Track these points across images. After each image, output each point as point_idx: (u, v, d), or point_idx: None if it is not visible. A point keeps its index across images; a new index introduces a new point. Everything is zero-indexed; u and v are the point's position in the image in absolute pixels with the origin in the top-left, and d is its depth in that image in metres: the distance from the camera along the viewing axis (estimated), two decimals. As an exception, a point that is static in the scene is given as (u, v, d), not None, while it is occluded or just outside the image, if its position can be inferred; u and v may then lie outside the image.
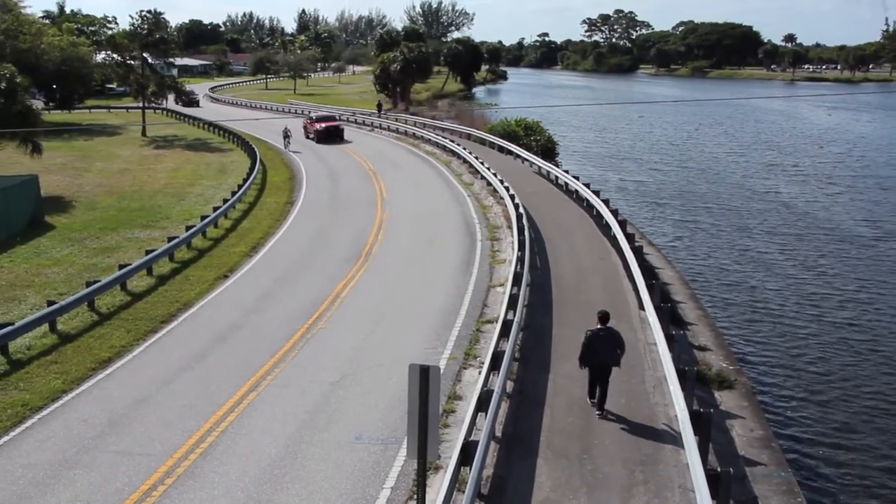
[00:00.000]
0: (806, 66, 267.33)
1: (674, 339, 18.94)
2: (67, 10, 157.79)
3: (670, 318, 21.73)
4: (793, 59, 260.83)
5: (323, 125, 67.02)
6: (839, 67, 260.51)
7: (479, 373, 17.89)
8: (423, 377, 11.56)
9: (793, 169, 68.04)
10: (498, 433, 15.96)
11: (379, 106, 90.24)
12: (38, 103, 66.55)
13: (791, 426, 21.39)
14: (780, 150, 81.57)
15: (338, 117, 73.12)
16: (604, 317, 17.15)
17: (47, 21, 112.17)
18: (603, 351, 16.83)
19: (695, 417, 14.73)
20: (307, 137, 68.01)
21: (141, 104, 78.36)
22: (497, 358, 17.77)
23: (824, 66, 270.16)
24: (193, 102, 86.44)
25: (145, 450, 15.81)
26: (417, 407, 11.61)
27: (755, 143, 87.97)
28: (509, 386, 18.04)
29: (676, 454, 15.02)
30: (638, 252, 27.03)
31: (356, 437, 16.11)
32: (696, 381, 17.30)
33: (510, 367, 18.27)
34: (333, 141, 64.81)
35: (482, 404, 15.62)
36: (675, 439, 15.45)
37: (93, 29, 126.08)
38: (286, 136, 62.73)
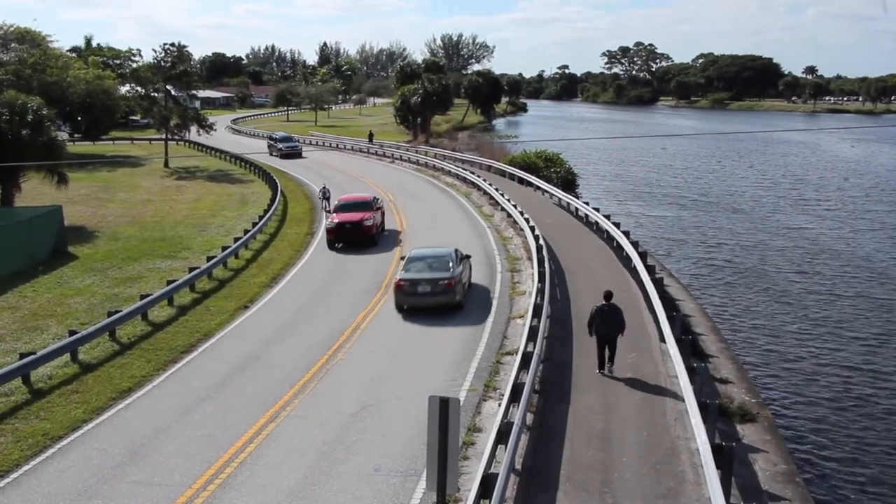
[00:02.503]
0: (827, 98, 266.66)
1: (695, 371, 18.78)
2: (94, 44, 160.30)
3: (691, 350, 21.56)
4: (814, 90, 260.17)
5: (336, 219, 38.41)
6: (861, 99, 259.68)
7: (499, 405, 17.80)
8: (443, 409, 11.53)
9: (816, 203, 67.43)
10: (518, 466, 15.84)
11: (370, 136, 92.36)
12: (63, 135, 67.44)
13: (815, 460, 21.12)
14: (804, 183, 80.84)
15: (375, 202, 40.77)
16: (608, 295, 20.88)
17: (74, 55, 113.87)
18: (605, 324, 20.41)
19: (717, 451, 14.56)
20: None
21: (164, 136, 79.21)
22: (517, 390, 17.68)
23: (846, 98, 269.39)
24: (295, 154, 79.19)
25: (164, 480, 15.81)
26: (437, 439, 11.57)
27: (778, 175, 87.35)
28: (529, 418, 17.92)
29: (698, 488, 14.84)
30: (658, 284, 26.87)
31: (375, 468, 16.04)
32: (717, 415, 17.12)
33: (530, 399, 18.16)
34: (355, 246, 37.78)
35: (502, 436, 15.52)
36: (697, 473, 15.28)
37: (118, 62, 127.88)
38: (325, 197, 48.52)
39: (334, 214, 39.24)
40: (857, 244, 49.70)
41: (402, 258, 30.01)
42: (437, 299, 26.56)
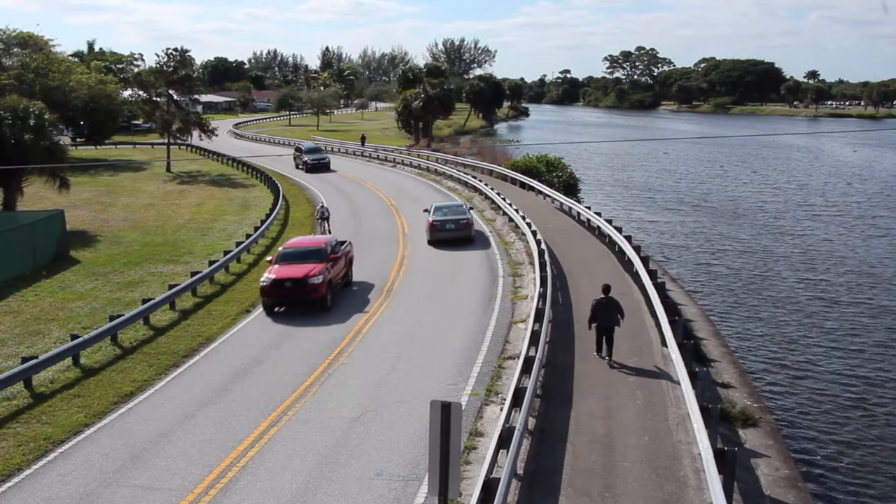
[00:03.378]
0: (829, 103, 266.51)
1: (697, 376, 18.77)
2: (96, 49, 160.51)
3: (693, 354, 21.56)
4: (815, 95, 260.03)
5: (274, 274, 28.52)
6: (862, 103, 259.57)
7: (501, 409, 17.79)
8: (445, 413, 11.52)
9: (820, 208, 67.06)
10: (519, 470, 15.83)
11: (362, 139, 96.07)
12: (65, 139, 67.56)
13: (817, 465, 21.08)
14: (807, 188, 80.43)
15: (333, 249, 30.53)
16: (606, 288, 22.72)
17: (76, 60, 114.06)
18: (604, 315, 22.06)
19: (719, 456, 14.55)
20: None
21: (166, 140, 79.30)
22: (519, 394, 17.67)
23: (847, 103, 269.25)
24: (323, 167, 70.55)
25: (166, 484, 15.81)
26: (439, 443, 11.57)
27: (781, 180, 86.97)
28: (531, 423, 17.92)
29: (700, 493, 14.82)
30: (660, 288, 26.88)
31: (377, 473, 16.03)
32: (719, 419, 17.12)
33: (532, 403, 18.16)
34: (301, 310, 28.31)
35: (504, 441, 15.52)
36: (699, 478, 15.26)
37: (120, 66, 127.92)
38: (323, 217, 42.59)
39: (274, 266, 29.06)
40: (861, 249, 49.57)
41: (426, 211, 40.93)
42: (459, 234, 38.67)
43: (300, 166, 73.69)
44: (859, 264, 45.25)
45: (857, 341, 31.62)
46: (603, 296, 22.44)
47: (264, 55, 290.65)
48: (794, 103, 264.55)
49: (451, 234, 38.33)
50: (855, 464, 21.43)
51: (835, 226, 57.84)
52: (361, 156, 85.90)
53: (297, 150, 77.80)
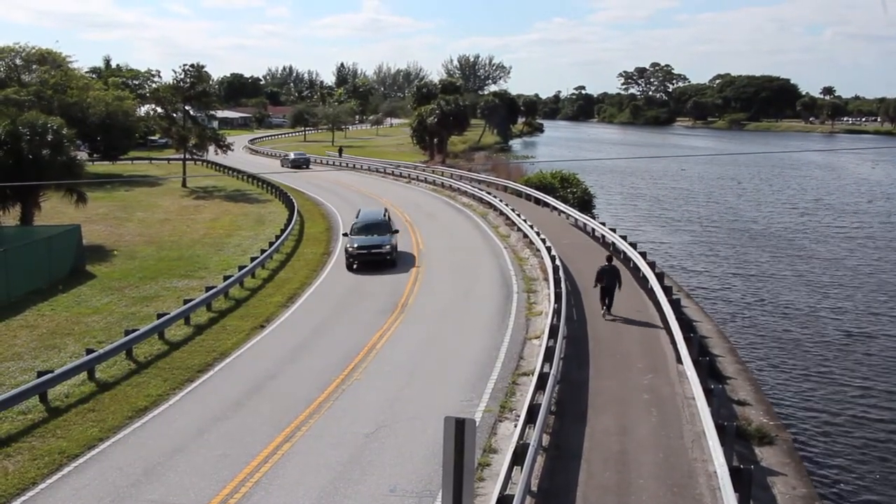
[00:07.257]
0: (845, 119, 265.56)
1: (713, 393, 18.65)
2: (113, 65, 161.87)
3: (709, 371, 21.43)
4: (831, 111, 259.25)
5: None
6: (879, 119, 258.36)
7: (515, 426, 17.71)
8: (459, 430, 11.46)
9: (840, 227, 66.74)
10: (534, 487, 15.75)
11: (340, 150, 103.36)
12: (82, 154, 68.04)
13: (835, 484, 20.89)
14: (826, 205, 79.86)
15: None
16: (609, 258, 29.02)
17: (94, 76, 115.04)
18: (607, 279, 27.81)
19: (735, 474, 14.43)
20: None
21: (182, 155, 79.71)
22: (533, 411, 17.61)
23: (864, 119, 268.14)
24: (377, 260, 42.20)
25: (179, 499, 15.80)
26: (453, 460, 11.50)
27: (799, 197, 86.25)
28: (545, 439, 17.84)
29: (716, 512, 14.70)
30: (676, 305, 26.75)
31: (390, 489, 15.98)
32: (735, 437, 16.99)
33: (546, 420, 18.08)
34: None
35: (518, 458, 15.45)
36: (715, 496, 15.13)
37: (137, 83, 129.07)
38: None
39: None
40: (882, 268, 49.22)
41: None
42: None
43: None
44: (879, 282, 44.94)
45: (875, 359, 31.40)
46: (606, 263, 28.21)
47: (279, 71, 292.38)
48: (810, 119, 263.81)
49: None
50: (873, 483, 21.23)
51: (855, 245, 57.38)
52: (376, 171, 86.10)
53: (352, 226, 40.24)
